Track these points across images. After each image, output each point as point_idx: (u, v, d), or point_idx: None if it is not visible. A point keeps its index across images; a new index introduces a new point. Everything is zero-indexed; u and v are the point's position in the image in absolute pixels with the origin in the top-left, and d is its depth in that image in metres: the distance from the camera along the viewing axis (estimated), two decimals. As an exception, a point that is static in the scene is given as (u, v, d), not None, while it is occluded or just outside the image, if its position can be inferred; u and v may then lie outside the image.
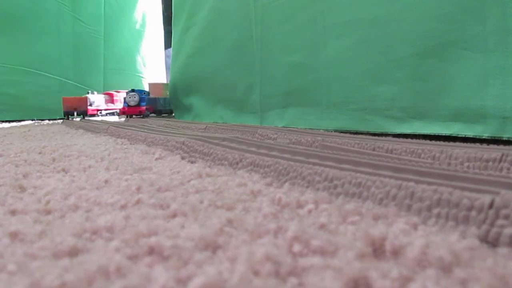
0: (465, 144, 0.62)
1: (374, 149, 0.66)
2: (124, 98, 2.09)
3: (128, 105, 2.06)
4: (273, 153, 0.58)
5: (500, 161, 0.51)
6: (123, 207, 0.39)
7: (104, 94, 2.48)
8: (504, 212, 0.28)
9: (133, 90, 2.11)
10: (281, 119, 1.38)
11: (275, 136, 0.91)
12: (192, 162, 0.66)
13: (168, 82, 2.14)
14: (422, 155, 0.59)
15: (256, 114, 1.50)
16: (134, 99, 2.06)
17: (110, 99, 2.51)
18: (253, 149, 0.63)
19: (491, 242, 0.28)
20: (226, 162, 0.60)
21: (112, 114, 2.50)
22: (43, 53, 2.51)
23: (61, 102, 2.12)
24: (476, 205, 0.30)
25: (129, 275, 0.23)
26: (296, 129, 1.07)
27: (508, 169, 0.50)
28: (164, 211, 0.37)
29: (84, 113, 2.15)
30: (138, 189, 0.46)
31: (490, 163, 0.52)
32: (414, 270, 0.23)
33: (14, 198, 0.44)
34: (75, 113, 2.11)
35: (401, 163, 0.46)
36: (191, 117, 1.92)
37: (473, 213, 0.30)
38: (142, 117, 2.04)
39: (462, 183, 0.35)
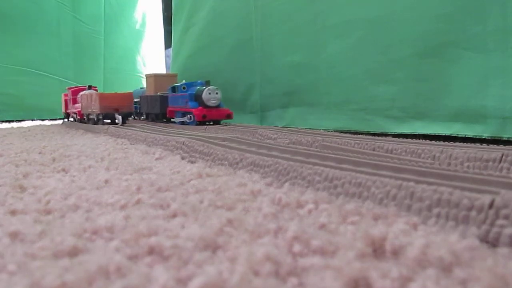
0: (465, 144, 0.62)
1: (374, 149, 0.66)
2: (193, 96, 1.32)
3: (206, 106, 1.29)
4: (273, 153, 0.58)
5: (500, 161, 0.51)
6: (123, 207, 0.39)
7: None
8: (504, 212, 0.28)
9: (208, 82, 1.33)
10: (281, 119, 1.38)
11: (275, 136, 0.91)
12: (192, 162, 0.66)
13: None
14: (422, 155, 0.59)
15: (256, 114, 1.50)
16: (216, 97, 1.30)
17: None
18: (253, 149, 0.63)
19: (491, 242, 0.28)
20: (226, 162, 0.60)
21: None
22: (43, 53, 2.51)
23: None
24: (476, 205, 0.30)
25: (129, 275, 0.23)
26: (296, 129, 1.07)
27: (508, 169, 0.50)
28: (164, 211, 0.37)
29: (128, 115, 1.45)
30: (138, 189, 0.46)
31: (490, 163, 0.52)
32: (414, 270, 0.23)
33: (14, 198, 0.44)
34: (120, 117, 1.36)
35: (401, 163, 0.46)
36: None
37: (473, 213, 0.30)
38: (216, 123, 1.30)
39: (462, 183, 0.35)
